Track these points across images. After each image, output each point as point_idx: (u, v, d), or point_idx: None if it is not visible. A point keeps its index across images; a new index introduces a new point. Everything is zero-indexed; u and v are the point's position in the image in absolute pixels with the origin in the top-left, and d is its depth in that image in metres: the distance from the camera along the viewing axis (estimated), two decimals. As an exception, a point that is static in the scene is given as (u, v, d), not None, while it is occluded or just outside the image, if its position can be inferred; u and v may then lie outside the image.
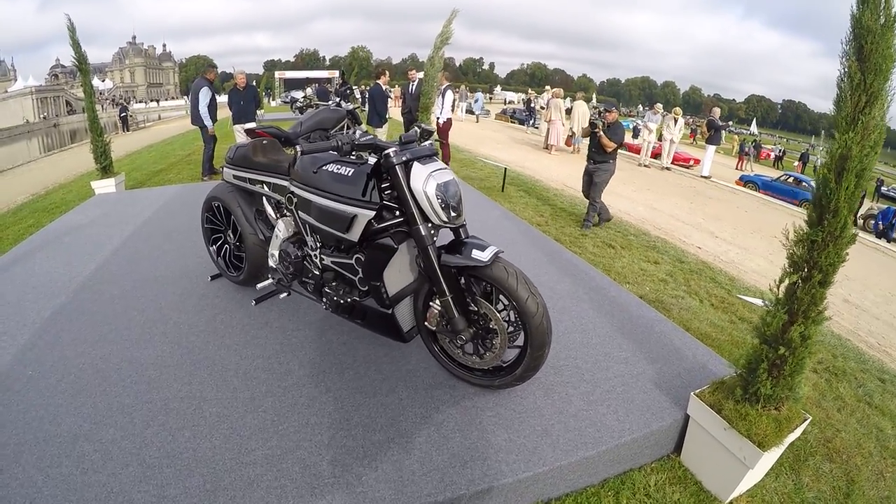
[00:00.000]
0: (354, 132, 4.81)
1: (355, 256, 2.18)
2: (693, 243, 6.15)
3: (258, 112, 9.03)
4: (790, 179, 15.05)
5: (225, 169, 2.97)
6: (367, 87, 5.38)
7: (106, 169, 6.34)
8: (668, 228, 6.73)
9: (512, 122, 25.26)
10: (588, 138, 5.77)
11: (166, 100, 69.58)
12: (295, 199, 2.40)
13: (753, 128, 39.91)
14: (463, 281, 2.05)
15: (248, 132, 3.79)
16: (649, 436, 2.02)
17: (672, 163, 12.68)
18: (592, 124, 5.48)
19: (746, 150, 22.70)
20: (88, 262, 3.64)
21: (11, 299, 3.05)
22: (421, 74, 7.72)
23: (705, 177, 12.04)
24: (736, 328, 3.72)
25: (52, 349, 2.49)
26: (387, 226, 2.01)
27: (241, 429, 1.95)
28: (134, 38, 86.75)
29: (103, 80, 76.38)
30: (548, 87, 17.68)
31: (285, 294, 2.82)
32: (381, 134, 7.69)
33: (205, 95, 7.13)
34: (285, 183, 2.51)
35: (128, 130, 22.30)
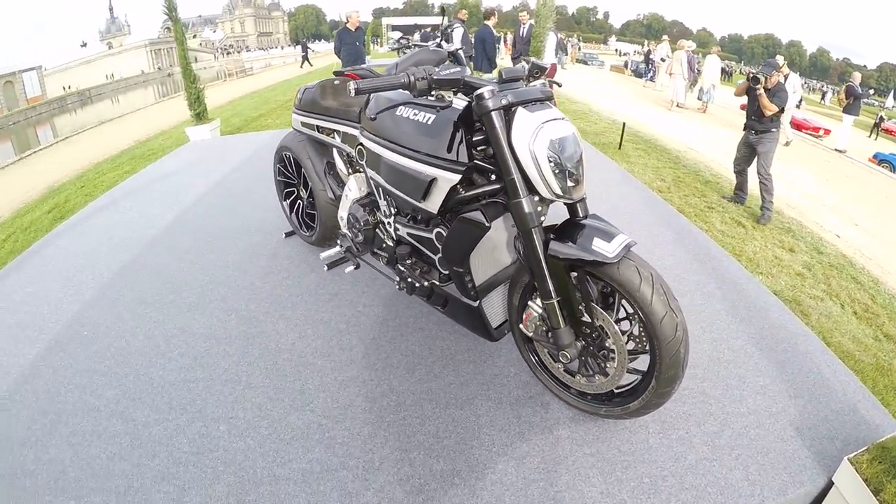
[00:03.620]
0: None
1: (436, 230, 1.71)
2: (831, 230, 5.06)
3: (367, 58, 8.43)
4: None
5: (293, 115, 2.61)
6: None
7: (200, 115, 6.57)
8: (803, 208, 5.59)
9: (631, 75, 22.79)
10: (745, 99, 4.57)
11: (275, 48, 71.20)
12: (365, 153, 1.97)
13: (890, 100, 33.06)
14: (575, 278, 1.50)
15: (337, 74, 3.46)
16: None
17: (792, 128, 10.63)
18: (754, 79, 4.33)
19: None
20: (167, 211, 3.60)
21: (88, 249, 3.09)
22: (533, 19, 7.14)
23: (840, 150, 10.05)
24: (881, 347, 2.95)
25: (112, 308, 2.43)
26: (477, 194, 1.54)
27: (282, 430, 1.70)
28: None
29: (214, 31, 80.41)
30: (665, 37, 15.68)
31: (353, 267, 2.34)
32: None
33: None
34: (356, 132, 2.08)
35: (311, 66, 22.64)
